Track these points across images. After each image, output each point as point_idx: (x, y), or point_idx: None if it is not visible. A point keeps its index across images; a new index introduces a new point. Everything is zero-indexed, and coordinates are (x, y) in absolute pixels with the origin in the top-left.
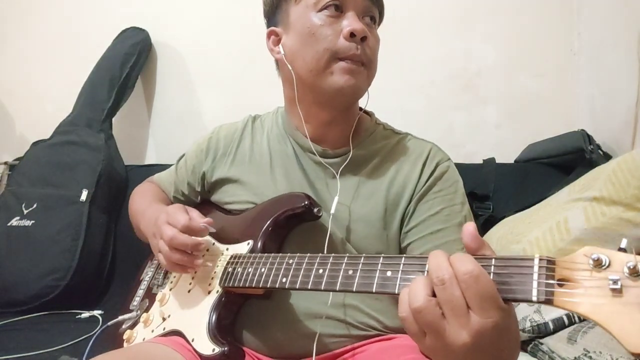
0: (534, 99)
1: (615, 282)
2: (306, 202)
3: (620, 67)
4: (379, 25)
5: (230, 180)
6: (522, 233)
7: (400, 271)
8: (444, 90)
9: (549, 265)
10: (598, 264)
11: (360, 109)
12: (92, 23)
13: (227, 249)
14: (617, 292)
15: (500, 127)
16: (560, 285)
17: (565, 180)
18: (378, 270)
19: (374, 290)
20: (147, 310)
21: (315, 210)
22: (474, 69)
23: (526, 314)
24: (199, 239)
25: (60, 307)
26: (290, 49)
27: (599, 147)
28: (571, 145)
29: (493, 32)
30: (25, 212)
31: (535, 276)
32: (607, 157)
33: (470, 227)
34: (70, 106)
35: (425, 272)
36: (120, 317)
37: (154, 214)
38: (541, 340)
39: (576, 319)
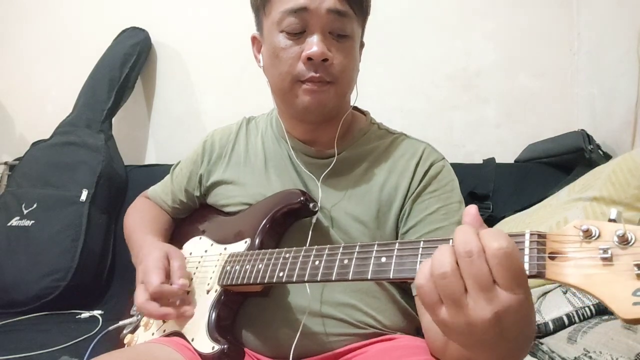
0: (534, 98)
1: (605, 251)
2: (302, 198)
3: (620, 67)
4: (366, 15)
5: (226, 182)
6: None
7: (394, 256)
8: (444, 90)
9: (540, 239)
10: (588, 235)
11: (356, 108)
12: (92, 23)
13: (225, 249)
14: (608, 260)
15: (500, 126)
16: (552, 259)
17: (565, 180)
18: (373, 257)
19: (369, 277)
20: None
21: (311, 205)
22: (474, 68)
23: None
24: (167, 310)
25: (60, 307)
26: (265, 62)
27: (598, 147)
28: (571, 145)
29: (493, 31)
30: (25, 212)
31: (527, 251)
32: (607, 157)
33: (472, 209)
34: (70, 106)
35: (419, 255)
36: (121, 322)
37: (139, 249)
38: (541, 340)
39: (576, 319)
